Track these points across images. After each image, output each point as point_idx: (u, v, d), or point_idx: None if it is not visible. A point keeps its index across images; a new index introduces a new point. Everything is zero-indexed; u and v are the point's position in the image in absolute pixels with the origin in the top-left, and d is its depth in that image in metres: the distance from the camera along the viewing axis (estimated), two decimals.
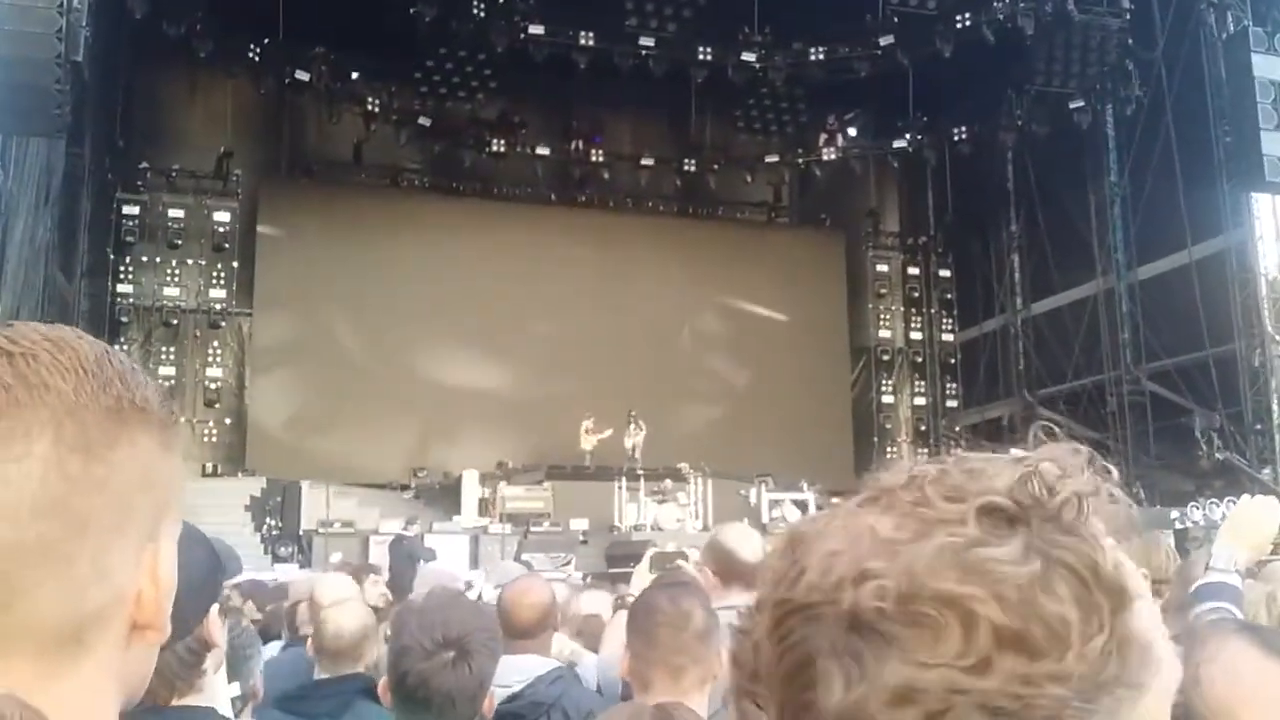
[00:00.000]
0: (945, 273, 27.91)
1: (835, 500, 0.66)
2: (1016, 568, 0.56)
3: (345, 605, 3.63)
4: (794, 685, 0.56)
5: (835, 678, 0.55)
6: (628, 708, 1.63)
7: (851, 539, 0.59)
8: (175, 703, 1.80)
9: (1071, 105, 21.79)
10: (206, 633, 1.82)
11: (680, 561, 4.61)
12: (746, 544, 3.32)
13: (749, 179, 25.67)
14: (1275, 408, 19.16)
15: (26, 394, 0.64)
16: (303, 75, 21.26)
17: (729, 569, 3.27)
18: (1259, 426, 19.17)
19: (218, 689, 1.95)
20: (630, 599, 4.10)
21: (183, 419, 20.77)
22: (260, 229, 22.98)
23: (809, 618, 0.57)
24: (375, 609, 4.73)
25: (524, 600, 3.36)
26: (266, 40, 20.73)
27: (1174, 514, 16.25)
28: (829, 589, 0.57)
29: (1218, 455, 19.14)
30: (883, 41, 21.76)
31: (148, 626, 0.69)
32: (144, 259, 22.45)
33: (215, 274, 22.98)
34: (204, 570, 1.72)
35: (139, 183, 22.27)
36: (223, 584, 2.03)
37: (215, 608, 1.83)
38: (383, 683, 2.43)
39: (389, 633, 2.65)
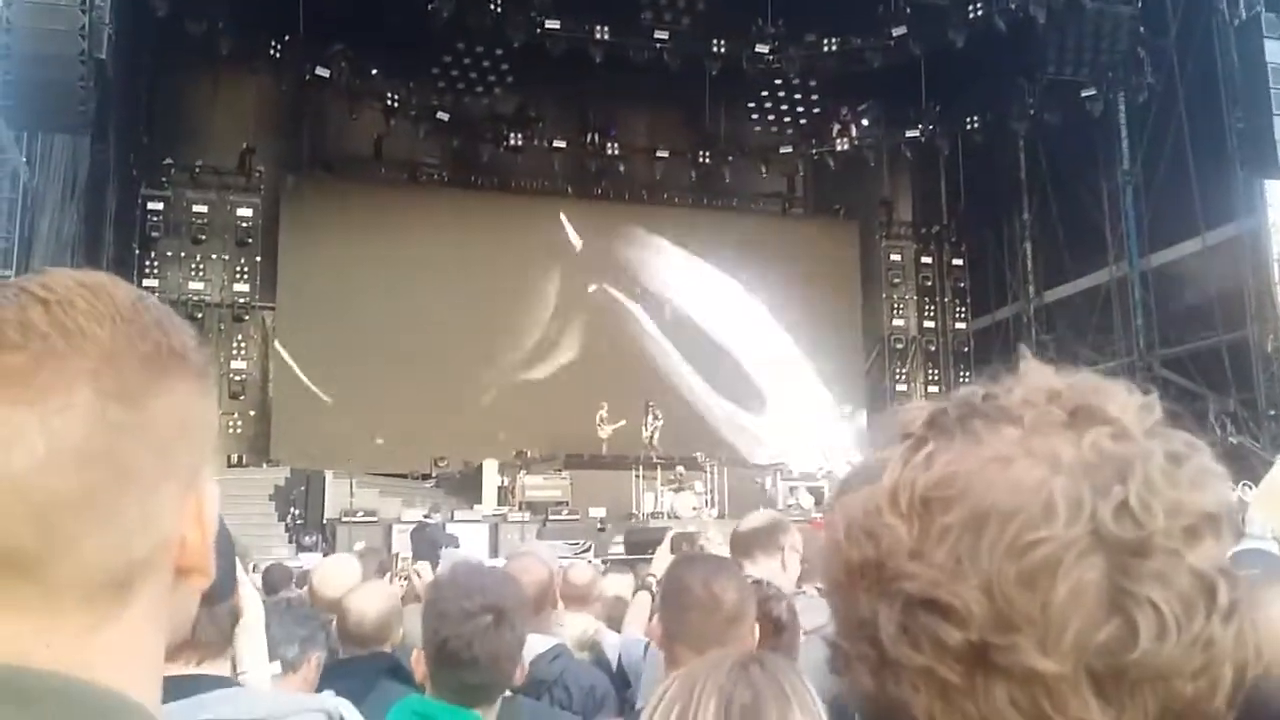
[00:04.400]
0: (958, 261, 27.97)
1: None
2: (1221, 479, 0.60)
3: (364, 590, 3.57)
4: (1080, 614, 0.56)
5: (1147, 608, 0.56)
6: (726, 657, 1.64)
7: (1041, 464, 0.59)
8: (198, 668, 1.82)
9: (1084, 93, 21.69)
10: (237, 602, 1.85)
11: (702, 543, 4.78)
12: (745, 521, 3.53)
13: (763, 170, 25.79)
14: None
15: (65, 342, 0.63)
16: (323, 72, 21.50)
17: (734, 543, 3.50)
18: (1272, 412, 19.16)
19: (246, 660, 1.97)
20: (651, 579, 4.29)
21: None
22: (283, 223, 23.30)
23: (1082, 552, 0.57)
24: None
25: (523, 579, 3.26)
26: (287, 37, 20.96)
27: None
28: (1084, 519, 0.57)
29: (1231, 440, 19.17)
30: (895, 32, 21.82)
31: (193, 570, 0.69)
32: (169, 253, 22.84)
33: (239, 268, 23.34)
34: (228, 543, 1.82)
35: (163, 178, 22.61)
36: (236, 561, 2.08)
37: (246, 578, 1.86)
38: (417, 653, 2.43)
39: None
